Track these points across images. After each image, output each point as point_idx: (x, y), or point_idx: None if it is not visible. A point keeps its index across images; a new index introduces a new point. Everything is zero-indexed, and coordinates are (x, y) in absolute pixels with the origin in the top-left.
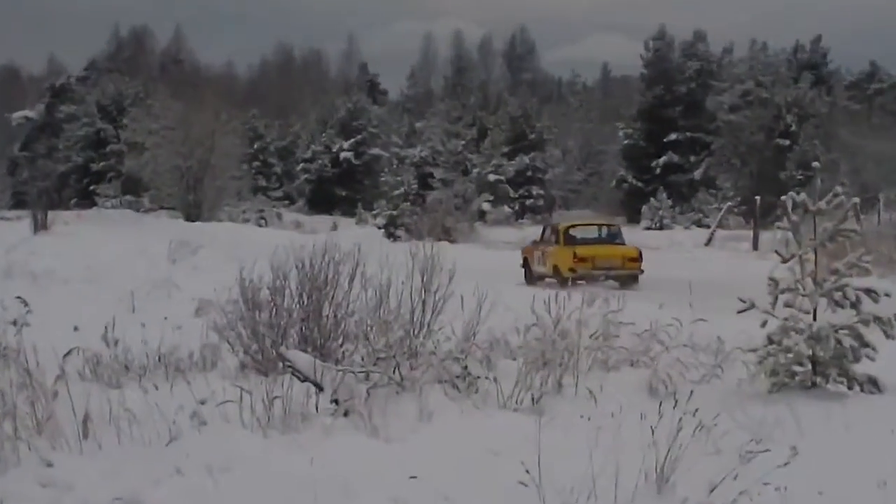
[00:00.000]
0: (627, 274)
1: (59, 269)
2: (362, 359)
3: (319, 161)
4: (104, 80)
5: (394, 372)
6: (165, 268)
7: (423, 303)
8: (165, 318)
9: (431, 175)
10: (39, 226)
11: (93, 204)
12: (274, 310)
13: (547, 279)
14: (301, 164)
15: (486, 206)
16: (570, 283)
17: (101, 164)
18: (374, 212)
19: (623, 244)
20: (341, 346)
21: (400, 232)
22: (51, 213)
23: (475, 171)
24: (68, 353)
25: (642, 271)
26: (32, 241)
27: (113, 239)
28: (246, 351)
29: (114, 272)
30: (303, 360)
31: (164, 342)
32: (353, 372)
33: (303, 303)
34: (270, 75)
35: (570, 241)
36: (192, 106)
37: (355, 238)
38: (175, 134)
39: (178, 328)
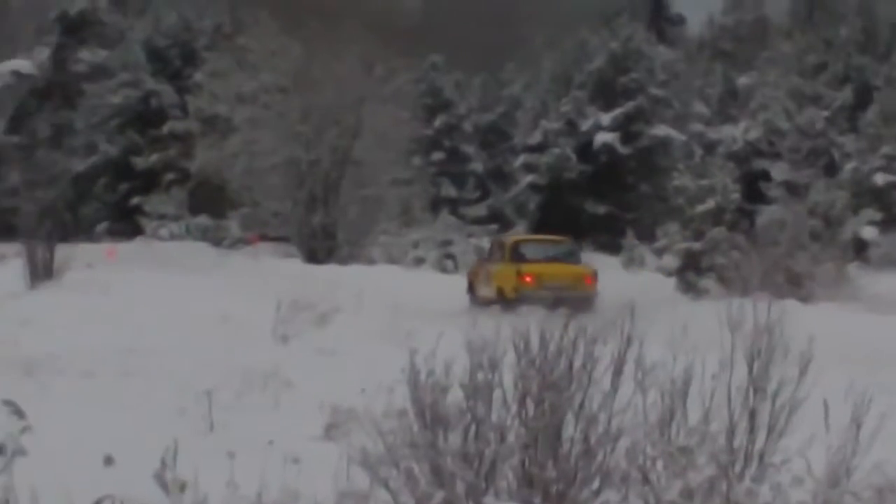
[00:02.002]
0: (580, 296)
1: (72, 353)
2: None
3: (556, 150)
4: (159, 4)
5: None
6: (270, 350)
7: (753, 415)
8: (271, 443)
9: (766, 175)
10: (40, 272)
11: (137, 231)
12: (473, 429)
13: (492, 303)
14: (522, 157)
15: (869, 233)
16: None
17: (153, 157)
18: (659, 244)
19: (577, 263)
20: (598, 494)
21: (707, 281)
22: (61, 249)
23: (849, 166)
24: None
25: (596, 293)
26: (26, 300)
27: (173, 296)
28: None
29: (174, 358)
30: None
31: (269, 487)
32: None
33: (525, 416)
34: None
35: (518, 258)
36: (320, 50)
37: (623, 292)
38: (289, 102)
39: (293, 461)
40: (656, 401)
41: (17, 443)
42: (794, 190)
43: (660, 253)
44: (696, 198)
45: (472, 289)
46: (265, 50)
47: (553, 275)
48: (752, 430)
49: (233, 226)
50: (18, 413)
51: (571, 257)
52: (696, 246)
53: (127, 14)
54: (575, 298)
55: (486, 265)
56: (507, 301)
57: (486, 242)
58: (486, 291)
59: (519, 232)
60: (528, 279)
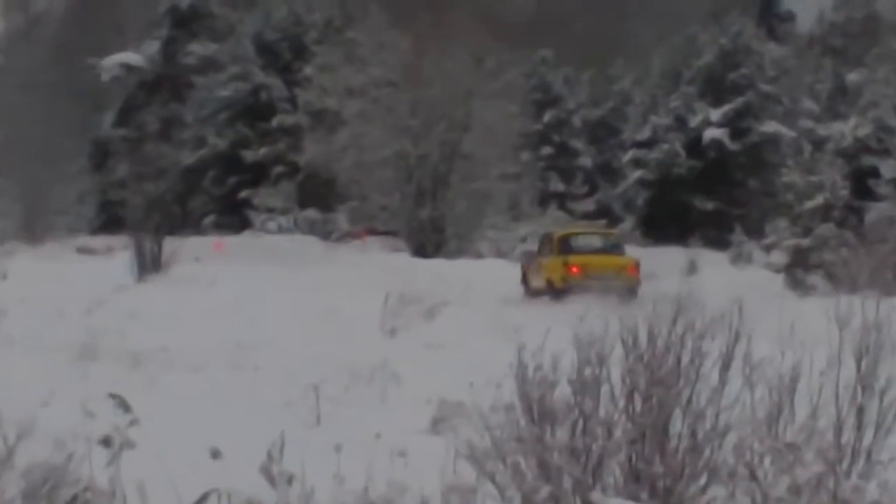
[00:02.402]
0: (623, 285)
1: (179, 346)
2: None
3: (665, 146)
4: None
5: None
6: (377, 344)
7: (860, 412)
8: (378, 437)
9: (875, 172)
10: (148, 265)
11: (244, 224)
12: (580, 424)
13: (543, 293)
14: (631, 153)
15: None
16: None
17: (262, 150)
18: (767, 241)
19: (621, 254)
20: (705, 490)
21: (815, 278)
22: (168, 242)
23: None
24: (201, 498)
25: (639, 282)
26: (134, 294)
27: (280, 290)
28: (527, 499)
29: (282, 352)
30: None
31: (375, 480)
32: None
33: (633, 411)
34: None
35: (565, 250)
36: (429, 44)
37: (730, 289)
38: (398, 96)
39: (400, 455)
40: (764, 397)
41: (124, 435)
42: None
43: (768, 249)
44: (804, 194)
45: (525, 280)
46: (375, 43)
47: (597, 265)
48: (859, 427)
49: (341, 219)
50: (125, 406)
51: (615, 249)
52: (805, 242)
53: (237, 7)
54: (619, 287)
55: (537, 258)
56: (555, 291)
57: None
58: (537, 282)
59: (626, 228)
60: (574, 270)
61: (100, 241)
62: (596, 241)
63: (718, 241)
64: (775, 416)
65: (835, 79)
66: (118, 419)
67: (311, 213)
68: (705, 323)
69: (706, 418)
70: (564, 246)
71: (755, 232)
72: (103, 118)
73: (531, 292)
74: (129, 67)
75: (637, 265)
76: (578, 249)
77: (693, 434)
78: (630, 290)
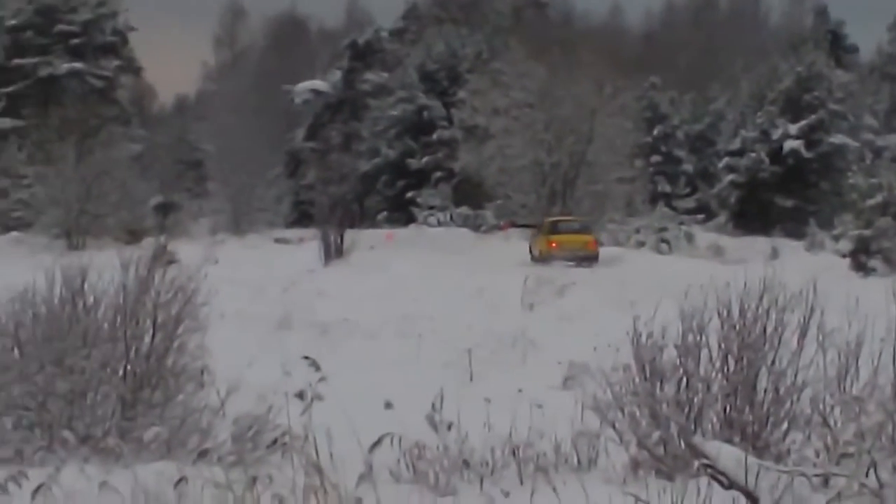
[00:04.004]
0: (587, 254)
1: (359, 318)
2: (817, 455)
3: (752, 154)
4: (430, 35)
5: (867, 475)
6: (518, 317)
7: None
8: (520, 391)
9: None
10: (332, 252)
11: (410, 219)
12: (684, 381)
13: (539, 261)
14: (724, 160)
15: None
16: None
17: (424, 159)
18: (836, 231)
19: (588, 234)
20: (786, 435)
21: (875, 262)
22: (349, 234)
23: None
24: (377, 441)
25: (598, 253)
26: (321, 276)
27: (439, 273)
28: (641, 442)
29: (441, 323)
30: (727, 456)
31: (517, 427)
32: (806, 475)
33: (727, 370)
34: (679, 27)
35: (551, 231)
36: (560, 72)
37: (806, 271)
38: (535, 114)
39: (538, 406)
40: (834, 359)
41: (315, 390)
42: None
43: (836, 238)
44: (866, 193)
45: (530, 251)
46: (515, 72)
47: (569, 241)
48: None
49: (488, 215)
50: (316, 366)
51: (584, 230)
52: (867, 233)
53: (404, 43)
54: (583, 255)
55: (537, 236)
56: (543, 258)
57: (694, 230)
58: (535, 252)
59: (720, 222)
60: (553, 244)
61: (293, 232)
62: (573, 225)
63: (796, 232)
64: (844, 375)
65: (891, 99)
66: (310, 377)
67: (464, 210)
68: (786, 299)
69: (787, 376)
70: (552, 228)
71: (826, 224)
72: (296, 134)
73: (533, 259)
74: (316, 92)
75: (596, 241)
76: (560, 230)
77: (776, 389)
78: (591, 257)
